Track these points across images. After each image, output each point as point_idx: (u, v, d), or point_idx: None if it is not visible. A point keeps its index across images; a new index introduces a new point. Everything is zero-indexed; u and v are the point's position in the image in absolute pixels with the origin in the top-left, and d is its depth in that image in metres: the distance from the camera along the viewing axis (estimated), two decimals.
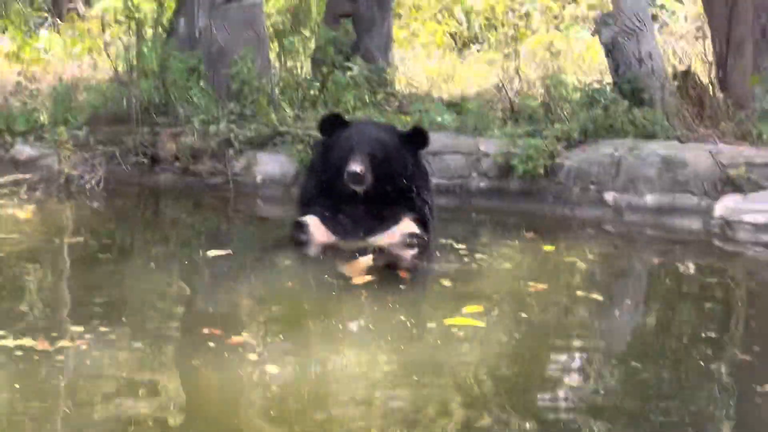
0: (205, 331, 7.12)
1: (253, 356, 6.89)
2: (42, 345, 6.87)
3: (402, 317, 7.66)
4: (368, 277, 8.42)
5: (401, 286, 8.29)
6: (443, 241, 9.65)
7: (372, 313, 7.73)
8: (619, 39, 12.03)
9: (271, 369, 6.65)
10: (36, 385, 6.41)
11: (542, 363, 7.11)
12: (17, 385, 6.37)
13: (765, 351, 7.33)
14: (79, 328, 7.18)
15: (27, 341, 6.90)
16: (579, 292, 8.52)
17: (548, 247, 9.71)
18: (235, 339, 7.21)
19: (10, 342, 6.87)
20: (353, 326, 7.54)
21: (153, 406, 6.35)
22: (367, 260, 8.79)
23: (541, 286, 8.51)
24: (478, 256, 9.41)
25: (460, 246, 9.60)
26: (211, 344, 7.04)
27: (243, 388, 6.50)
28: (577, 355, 7.34)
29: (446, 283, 8.61)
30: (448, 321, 7.49)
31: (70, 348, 6.84)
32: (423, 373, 6.71)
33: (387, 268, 8.70)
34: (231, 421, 6.04)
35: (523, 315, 7.72)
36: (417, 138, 9.49)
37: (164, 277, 8.82)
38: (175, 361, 6.92)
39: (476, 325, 7.43)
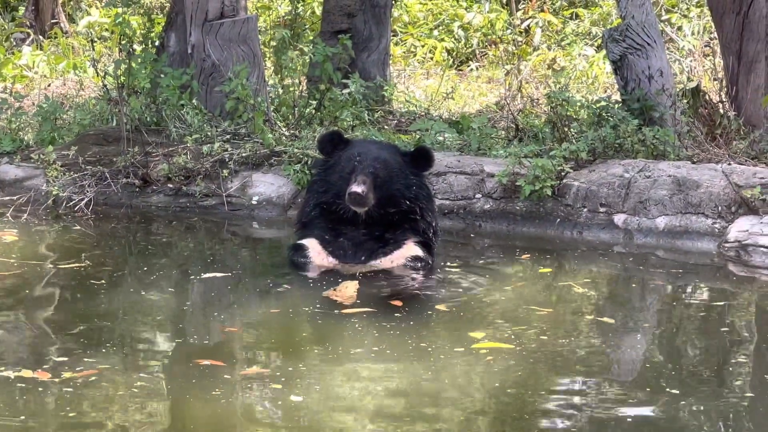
0: (206, 362, 7.12)
1: (258, 386, 6.91)
2: (43, 376, 6.87)
3: (402, 343, 7.68)
4: (354, 299, 8.45)
5: (397, 314, 8.24)
6: (448, 264, 9.66)
7: (372, 341, 7.73)
8: (627, 55, 12.03)
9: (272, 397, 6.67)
10: (43, 417, 6.42)
11: (544, 389, 7.11)
12: (22, 417, 6.39)
13: None
14: (76, 358, 7.19)
15: (26, 372, 6.89)
16: (588, 317, 8.54)
17: (547, 270, 9.73)
18: (236, 369, 7.24)
19: (10, 373, 6.86)
20: (355, 352, 7.54)
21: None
22: (353, 285, 8.77)
23: (547, 311, 8.53)
24: (481, 281, 9.42)
25: (463, 270, 9.61)
26: (210, 374, 7.04)
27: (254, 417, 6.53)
28: (582, 379, 7.34)
29: (443, 308, 8.64)
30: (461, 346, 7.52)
31: (71, 379, 6.84)
32: (435, 397, 6.74)
33: (382, 297, 8.66)
34: None
35: (528, 339, 7.74)
36: (421, 158, 9.48)
37: (157, 303, 8.80)
38: (175, 391, 6.91)
39: (490, 349, 7.45)
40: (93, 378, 6.85)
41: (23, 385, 6.75)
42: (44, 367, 7.04)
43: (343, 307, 8.30)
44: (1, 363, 7.03)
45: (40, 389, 6.73)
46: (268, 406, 6.62)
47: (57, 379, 6.84)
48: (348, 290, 8.67)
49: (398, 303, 8.40)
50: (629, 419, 6.63)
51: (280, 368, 7.16)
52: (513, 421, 6.67)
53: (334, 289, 8.71)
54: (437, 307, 8.74)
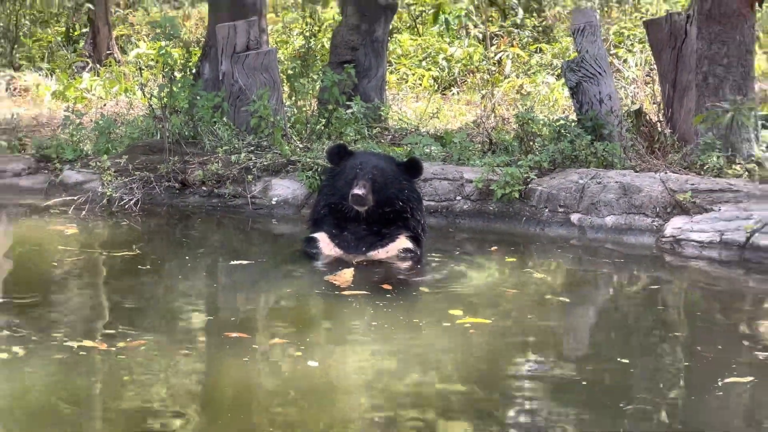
0: (234, 335, 7.15)
1: (281, 353, 6.95)
2: (101, 345, 6.89)
3: (397, 319, 7.71)
4: (350, 283, 8.49)
5: (388, 295, 8.28)
6: (433, 254, 9.68)
7: (370, 317, 7.76)
8: (582, 82, 12.07)
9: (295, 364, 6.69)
10: (101, 380, 6.44)
11: (512, 355, 7.15)
12: (86, 380, 6.42)
13: (716, 348, 7.36)
14: (127, 331, 7.21)
15: (87, 342, 6.91)
16: (547, 296, 8.57)
17: (513, 259, 9.76)
18: (260, 340, 7.27)
19: (73, 343, 6.88)
20: (356, 326, 7.58)
21: (197, 391, 6.40)
22: (350, 272, 8.81)
23: (513, 291, 8.58)
24: (460, 268, 9.45)
25: (445, 259, 9.64)
26: (238, 344, 7.07)
27: (281, 380, 6.55)
28: (544, 347, 7.37)
29: (426, 290, 8.68)
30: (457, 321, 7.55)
31: (124, 348, 6.86)
32: (425, 361, 6.78)
33: (376, 281, 8.68)
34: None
35: (500, 314, 7.79)
36: (412, 167, 9.52)
37: (193, 285, 8.82)
38: (210, 358, 6.94)
39: (467, 324, 7.49)
40: (142, 347, 6.89)
41: (85, 353, 6.77)
42: (101, 338, 7.08)
43: (343, 290, 8.32)
44: (66, 335, 7.06)
45: (99, 356, 6.76)
46: (291, 369, 6.65)
47: (113, 348, 6.87)
48: (345, 275, 8.71)
49: (388, 287, 8.42)
50: (584, 382, 6.66)
51: (298, 339, 7.18)
52: (487, 378, 6.71)
53: (335, 275, 8.75)
54: (422, 289, 8.80)
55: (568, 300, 8.61)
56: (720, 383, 6.57)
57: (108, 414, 6.00)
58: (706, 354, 7.26)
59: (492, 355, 7.14)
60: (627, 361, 7.10)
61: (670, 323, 8.24)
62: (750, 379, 6.65)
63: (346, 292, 8.25)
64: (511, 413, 6.25)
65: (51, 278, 8.94)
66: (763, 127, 13.43)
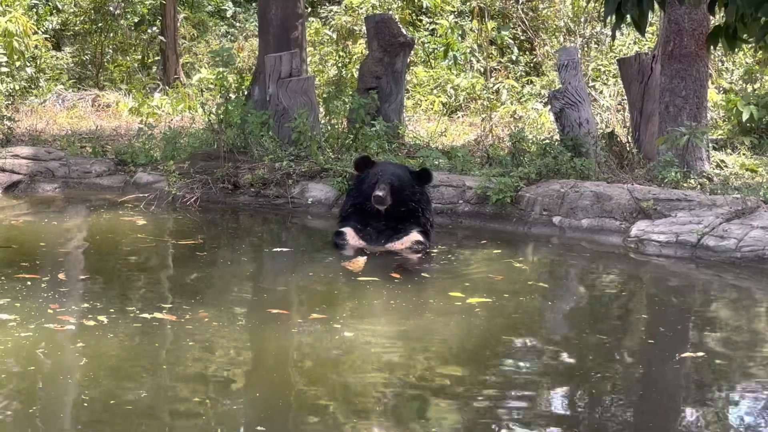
0: (275, 311, 7.22)
1: (321, 326, 7.01)
2: (170, 317, 6.96)
3: (406, 299, 7.77)
4: (362, 269, 8.59)
5: (398, 281, 8.34)
6: (439, 247, 9.71)
7: (384, 297, 7.82)
8: (565, 109, 12.07)
9: (339, 334, 6.74)
10: (176, 345, 6.53)
11: (501, 330, 7.20)
12: (160, 345, 6.51)
13: (671, 328, 7.39)
14: (191, 305, 7.31)
15: (158, 314, 6.99)
16: (529, 283, 8.62)
17: (503, 251, 9.78)
18: (298, 315, 7.34)
19: (147, 315, 6.96)
20: (376, 305, 7.64)
21: (247, 359, 6.47)
22: (363, 259, 8.87)
23: (503, 278, 8.63)
24: (460, 259, 9.49)
25: (449, 251, 9.68)
26: (279, 318, 7.15)
27: (319, 349, 6.62)
28: (527, 324, 7.41)
29: (433, 276, 8.78)
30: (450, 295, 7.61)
31: (191, 319, 6.94)
32: (429, 334, 6.84)
33: (386, 270, 8.73)
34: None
35: (494, 296, 7.83)
36: (424, 176, 9.61)
37: (242, 268, 8.89)
38: (262, 329, 7.01)
39: (463, 303, 7.55)
40: (206, 319, 6.95)
41: (157, 324, 6.85)
42: (169, 311, 7.14)
43: (362, 276, 8.37)
44: (140, 308, 7.12)
45: (169, 326, 6.83)
46: (331, 339, 6.73)
47: (182, 320, 6.94)
48: (359, 262, 8.79)
49: (397, 275, 8.45)
50: (563, 354, 6.70)
51: (333, 314, 7.27)
52: (481, 349, 6.77)
53: (350, 261, 8.82)
54: (428, 275, 8.85)
55: (547, 286, 8.66)
56: (677, 357, 6.62)
57: (177, 374, 6.07)
58: (667, 333, 7.31)
59: (485, 327, 7.21)
60: (600, 337, 7.15)
61: (635, 307, 8.29)
62: (702, 354, 6.70)
63: (364, 278, 8.29)
64: (501, 370, 6.36)
65: (125, 261, 9.02)
66: (714, 148, 13.45)
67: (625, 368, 6.55)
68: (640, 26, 6.47)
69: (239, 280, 8.44)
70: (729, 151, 14.13)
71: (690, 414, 5.85)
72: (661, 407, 5.85)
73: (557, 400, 5.97)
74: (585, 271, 9.46)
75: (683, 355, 6.65)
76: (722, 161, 13.15)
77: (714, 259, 9.35)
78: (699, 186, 11.31)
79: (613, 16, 6.50)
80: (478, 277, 8.74)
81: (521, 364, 6.50)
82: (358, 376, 6.14)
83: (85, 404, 5.51)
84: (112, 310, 7.03)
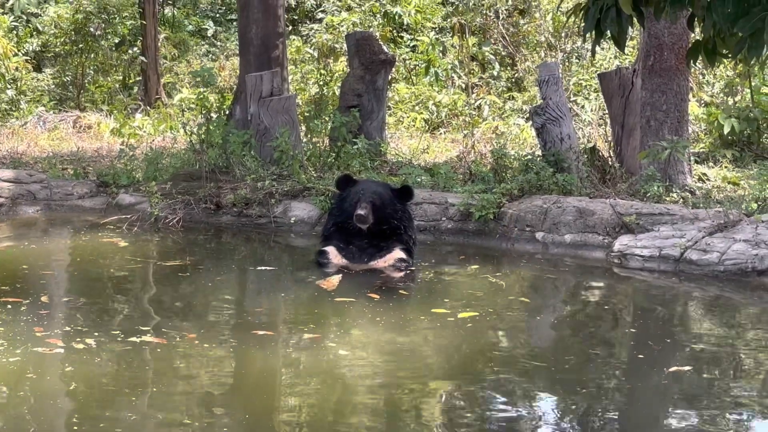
0: (260, 332, 7.21)
1: (314, 345, 6.99)
2: (159, 340, 6.94)
3: (393, 316, 7.76)
4: (335, 287, 8.59)
5: (382, 298, 8.33)
6: (422, 264, 9.71)
7: (369, 315, 7.81)
8: (546, 124, 12.10)
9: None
10: (166, 368, 6.51)
11: (483, 344, 7.20)
12: (152, 368, 6.49)
13: (658, 342, 7.41)
14: (179, 328, 7.30)
15: (146, 337, 6.97)
16: (510, 297, 8.64)
17: (478, 267, 9.78)
18: (285, 336, 7.34)
19: (135, 338, 6.93)
20: (362, 323, 7.64)
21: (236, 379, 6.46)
22: (337, 278, 8.87)
23: (484, 293, 8.66)
24: (443, 276, 9.49)
25: (432, 268, 9.68)
26: (267, 340, 7.14)
27: (312, 369, 6.62)
28: (507, 338, 7.42)
29: (416, 292, 8.82)
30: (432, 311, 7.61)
31: (181, 342, 6.93)
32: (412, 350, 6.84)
33: (377, 287, 8.73)
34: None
35: (477, 311, 7.84)
36: (405, 192, 9.60)
37: (226, 288, 8.87)
38: (249, 351, 6.99)
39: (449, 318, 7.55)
40: (196, 342, 6.94)
41: (146, 347, 6.82)
42: (157, 333, 7.11)
43: (342, 296, 8.34)
44: (128, 332, 7.09)
45: (159, 349, 6.80)
46: (326, 358, 6.75)
47: (171, 342, 6.92)
48: (333, 281, 8.78)
49: (375, 296, 8.40)
50: (551, 368, 6.71)
51: (324, 333, 7.27)
52: (471, 364, 6.78)
53: (325, 280, 8.82)
54: (412, 292, 8.87)
55: (532, 301, 8.68)
56: (665, 371, 6.64)
57: (172, 396, 6.05)
58: (654, 347, 7.32)
59: (472, 343, 7.22)
60: (588, 351, 7.17)
61: (621, 322, 8.31)
62: (689, 368, 6.72)
63: (349, 298, 8.28)
64: (486, 383, 6.36)
65: (108, 283, 8.99)
66: (695, 161, 13.51)
67: (615, 382, 6.56)
68: (619, 42, 6.52)
69: (224, 301, 8.42)
70: (711, 164, 14.20)
71: (679, 428, 5.85)
72: (649, 421, 5.86)
73: (548, 415, 5.98)
74: (569, 286, 9.47)
75: (671, 369, 6.66)
76: (704, 174, 13.21)
77: (697, 272, 9.38)
78: (681, 200, 11.36)
79: (593, 32, 6.55)
80: (463, 293, 8.74)
81: (510, 379, 6.50)
82: (359, 395, 6.15)
83: (76, 428, 5.48)
84: (97, 333, 7.00)
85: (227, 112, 13.78)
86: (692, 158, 13.05)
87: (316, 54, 19.81)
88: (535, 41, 20.60)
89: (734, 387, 6.53)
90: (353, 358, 6.76)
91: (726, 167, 13.99)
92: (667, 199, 11.32)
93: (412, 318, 7.82)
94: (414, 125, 17.82)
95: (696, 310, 8.76)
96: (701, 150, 14.86)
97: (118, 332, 7.06)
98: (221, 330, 7.44)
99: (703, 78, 17.97)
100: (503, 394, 6.26)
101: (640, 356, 7.05)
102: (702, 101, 17.14)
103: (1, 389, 5.98)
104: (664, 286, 9.33)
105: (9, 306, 7.64)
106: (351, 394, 6.20)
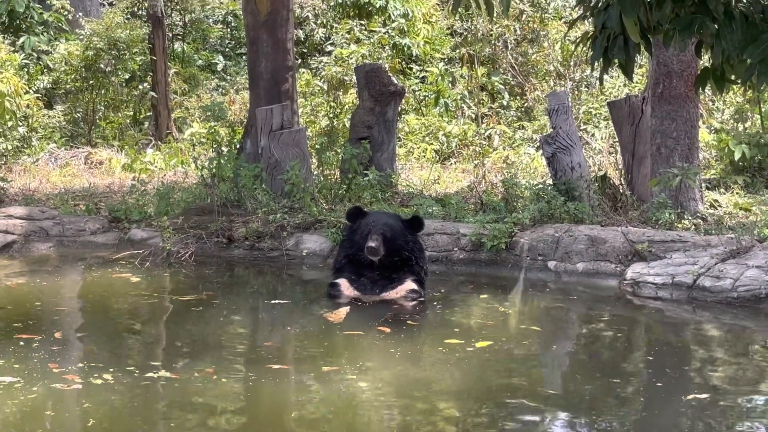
0: (275, 366, 7.19)
1: (335, 378, 6.98)
2: (176, 375, 6.93)
3: (409, 347, 7.75)
4: (342, 319, 8.60)
5: (395, 330, 8.32)
6: (434, 294, 9.71)
7: (387, 346, 7.81)
8: (557, 153, 12.12)
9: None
10: (184, 402, 6.50)
11: (498, 373, 7.18)
12: (170, 403, 6.49)
13: (675, 370, 7.38)
14: (193, 362, 7.30)
15: (163, 372, 6.96)
16: (521, 326, 8.64)
17: (499, 298, 9.77)
18: (301, 370, 7.32)
19: (152, 373, 6.93)
20: (376, 356, 7.62)
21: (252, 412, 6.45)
22: (344, 310, 8.87)
23: (497, 323, 8.65)
24: (456, 306, 9.49)
25: (445, 299, 9.67)
26: (281, 373, 7.12)
27: (337, 401, 6.62)
28: (521, 368, 7.39)
29: (428, 322, 8.84)
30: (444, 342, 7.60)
31: (199, 377, 6.92)
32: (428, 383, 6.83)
33: (392, 319, 8.72)
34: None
35: (492, 341, 7.81)
36: (416, 223, 9.60)
37: (240, 322, 8.88)
38: (266, 386, 6.97)
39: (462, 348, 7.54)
40: (214, 377, 6.93)
41: (164, 382, 6.82)
42: (174, 367, 7.11)
43: (359, 328, 8.34)
44: (145, 367, 7.09)
45: (176, 384, 6.80)
46: (345, 390, 6.76)
47: (189, 377, 6.91)
48: (340, 314, 8.79)
49: (385, 329, 8.35)
50: (568, 397, 6.69)
51: (347, 366, 7.26)
52: (481, 392, 6.75)
53: (332, 312, 8.82)
54: (422, 323, 8.85)
55: (547, 330, 8.68)
56: (684, 399, 6.62)
57: (191, 431, 6.06)
58: (672, 375, 7.29)
59: (484, 372, 7.21)
60: (605, 380, 7.15)
61: (637, 349, 8.30)
62: (707, 395, 6.71)
63: (359, 331, 8.26)
64: (502, 416, 6.33)
65: (121, 318, 9.00)
66: (707, 188, 13.50)
67: (634, 410, 6.54)
68: (627, 70, 6.53)
69: (238, 335, 8.43)
70: (722, 190, 14.18)
71: None
72: None
73: None
74: (583, 314, 9.45)
75: (689, 397, 6.64)
76: (716, 201, 13.19)
77: (711, 299, 9.36)
78: (693, 227, 11.34)
79: (601, 60, 6.56)
80: (476, 324, 8.73)
81: (529, 408, 6.48)
82: (382, 426, 6.14)
83: None
84: (113, 369, 6.99)
85: (238, 146, 13.82)
86: (703, 185, 13.04)
87: (325, 87, 19.87)
88: (544, 70, 20.64)
89: (753, 414, 6.51)
90: (373, 390, 6.75)
91: (737, 193, 13.97)
92: (679, 226, 11.31)
93: (427, 349, 7.81)
94: (424, 156, 17.84)
95: (711, 337, 8.74)
96: (712, 176, 14.84)
97: (133, 368, 7.06)
98: (236, 364, 7.45)
99: (713, 104, 17.98)
100: (523, 424, 6.24)
101: (659, 384, 7.02)
102: (712, 128, 17.14)
103: (23, 426, 5.97)
104: (678, 313, 9.31)
105: (22, 343, 7.65)
106: (374, 426, 6.19)
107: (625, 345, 8.44)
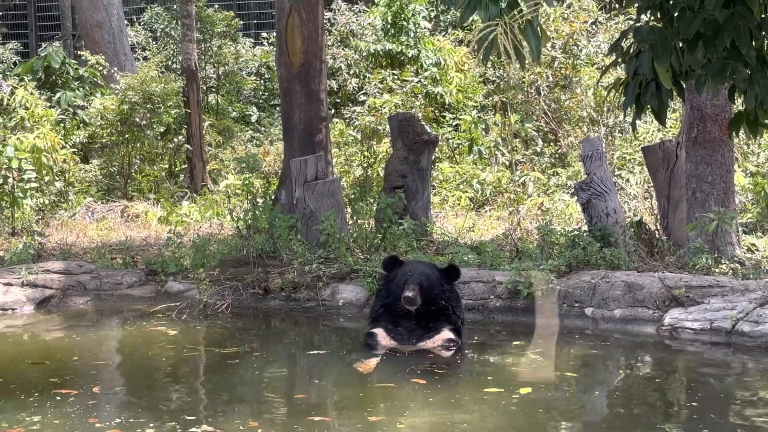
0: (316, 419, 7.19)
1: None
2: (220, 429, 6.93)
3: (441, 398, 7.74)
4: (372, 369, 8.61)
5: (425, 384, 8.30)
6: (471, 343, 9.69)
7: (424, 396, 7.79)
8: (592, 200, 12.12)
9: None
10: None
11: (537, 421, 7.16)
12: None
13: (720, 415, 7.34)
14: (236, 414, 7.29)
15: (207, 427, 6.97)
16: (568, 374, 8.58)
17: (533, 345, 9.74)
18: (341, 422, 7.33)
19: (196, 428, 6.93)
20: (416, 405, 7.61)
21: None
22: (375, 360, 8.88)
23: (534, 371, 8.64)
24: (493, 355, 9.47)
25: (482, 347, 9.66)
26: (325, 426, 7.11)
27: None
28: (563, 416, 7.36)
29: (467, 372, 8.77)
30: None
31: (244, 431, 6.90)
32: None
33: (429, 369, 8.71)
34: None
35: (531, 389, 7.80)
36: (452, 272, 9.61)
37: (279, 373, 8.91)
38: None
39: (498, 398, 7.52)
40: (259, 430, 6.92)
41: None
42: (216, 420, 7.12)
43: (392, 380, 8.34)
44: (186, 422, 7.09)
45: None
46: None
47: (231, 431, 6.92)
48: (370, 364, 8.79)
49: (420, 381, 8.33)
50: None
51: (388, 416, 7.26)
52: None
53: (362, 362, 8.82)
54: (455, 372, 8.83)
55: (587, 377, 8.64)
56: None
57: None
58: (718, 420, 7.25)
59: (533, 421, 7.19)
60: (651, 426, 7.10)
61: (680, 396, 8.25)
62: None
63: (391, 383, 8.25)
64: None
65: (159, 372, 9.03)
66: (744, 232, 13.43)
67: None
68: (659, 116, 6.56)
69: (277, 386, 8.44)
70: (759, 234, 14.10)
71: None
72: None
73: None
74: (621, 361, 9.41)
75: None
76: (753, 245, 13.12)
77: (750, 344, 9.32)
78: (731, 271, 11.29)
79: (633, 106, 6.59)
80: (515, 371, 8.71)
81: None
82: None
83: None
84: (154, 424, 7.01)
85: (273, 197, 13.89)
86: (740, 229, 12.98)
87: (359, 136, 19.96)
88: (578, 116, 20.66)
89: None
90: None
91: None
92: (717, 270, 11.26)
93: (468, 398, 7.79)
94: (459, 204, 17.85)
95: (753, 382, 8.67)
96: (749, 220, 14.76)
97: (174, 423, 7.07)
98: (278, 417, 7.44)
99: (748, 148, 17.92)
100: None
101: (705, 430, 6.98)
102: (747, 171, 17.08)
103: None
104: (717, 359, 9.26)
105: (58, 398, 7.70)
106: None
107: (668, 391, 8.39)
